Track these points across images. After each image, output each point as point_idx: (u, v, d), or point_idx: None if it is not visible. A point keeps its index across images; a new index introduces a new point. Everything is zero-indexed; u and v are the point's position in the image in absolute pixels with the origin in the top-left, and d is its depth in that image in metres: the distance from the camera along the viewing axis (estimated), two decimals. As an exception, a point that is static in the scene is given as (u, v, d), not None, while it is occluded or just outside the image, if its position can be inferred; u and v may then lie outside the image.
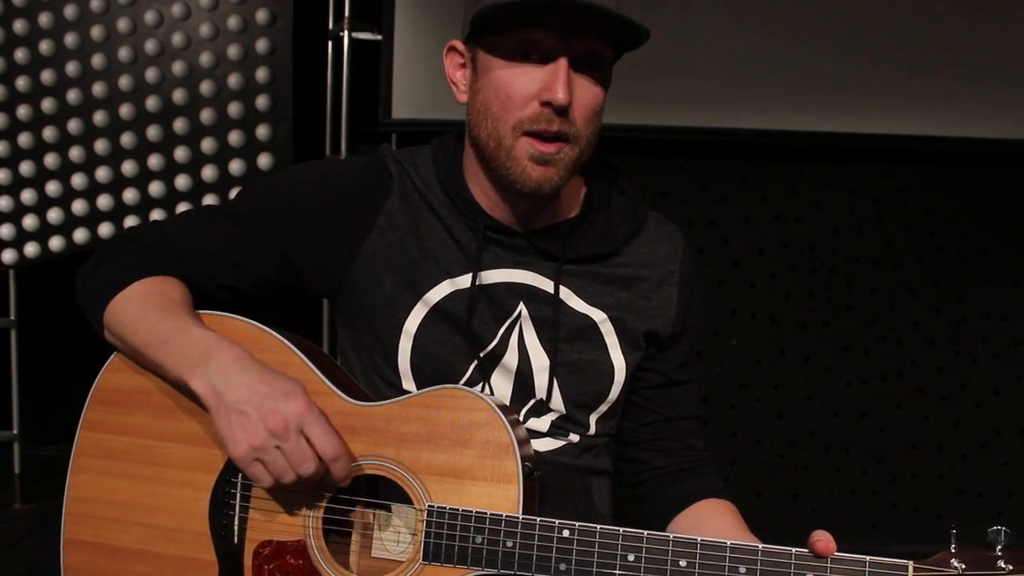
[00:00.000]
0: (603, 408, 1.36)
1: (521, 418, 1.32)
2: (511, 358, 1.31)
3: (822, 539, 1.07)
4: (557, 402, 1.32)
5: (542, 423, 1.33)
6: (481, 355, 1.30)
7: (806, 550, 1.09)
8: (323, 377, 1.23)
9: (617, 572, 1.12)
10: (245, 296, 1.35)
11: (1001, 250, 3.16)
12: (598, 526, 1.13)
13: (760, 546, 1.10)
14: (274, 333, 1.26)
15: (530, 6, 1.13)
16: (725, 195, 3.11)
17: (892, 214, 3.14)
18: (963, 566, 1.06)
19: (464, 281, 1.29)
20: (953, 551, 1.07)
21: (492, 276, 1.30)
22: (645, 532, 1.12)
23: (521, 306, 1.31)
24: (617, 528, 1.12)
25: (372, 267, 1.30)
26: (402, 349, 1.30)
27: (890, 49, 2.89)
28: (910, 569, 1.07)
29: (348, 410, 1.21)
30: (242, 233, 1.31)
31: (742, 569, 1.10)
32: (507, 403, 1.31)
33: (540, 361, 1.31)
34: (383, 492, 1.23)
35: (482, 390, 1.29)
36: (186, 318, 1.23)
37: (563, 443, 1.34)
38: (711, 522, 1.33)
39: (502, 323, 1.31)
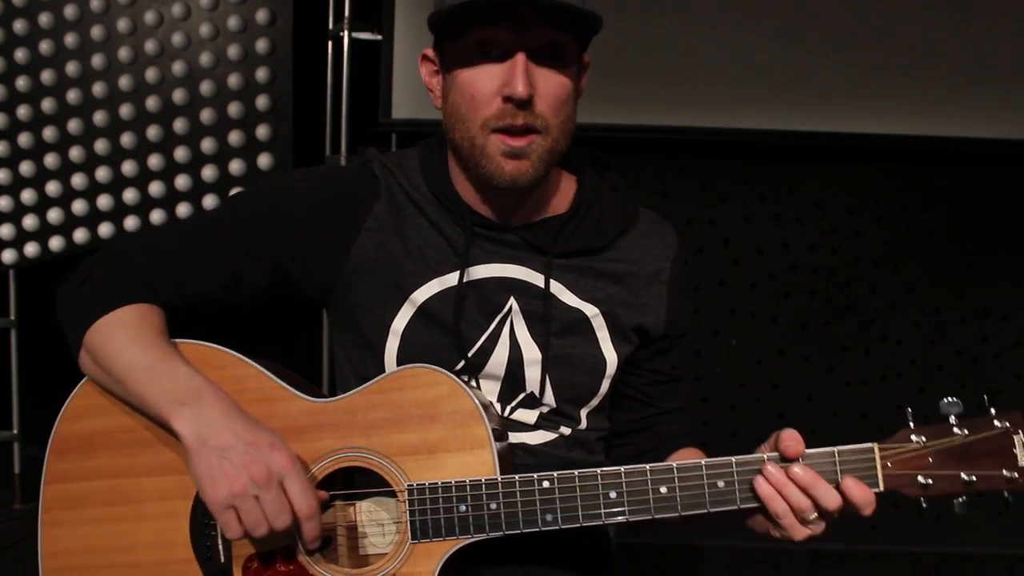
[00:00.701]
0: (594, 402, 1.37)
1: (510, 411, 1.33)
2: (502, 352, 1.31)
3: (791, 443, 1.12)
4: (549, 396, 1.33)
5: (531, 415, 1.34)
6: (470, 353, 1.30)
7: (777, 454, 1.13)
8: (282, 383, 1.23)
9: (602, 511, 1.14)
10: (236, 308, 1.35)
11: (1001, 250, 3.16)
12: (576, 471, 1.15)
13: (734, 458, 1.14)
14: (226, 350, 1.25)
15: (476, 6, 1.16)
16: (725, 195, 3.11)
17: (892, 214, 3.14)
18: (923, 439, 1.12)
19: (453, 279, 1.30)
20: (911, 427, 1.12)
21: (482, 271, 1.31)
22: (623, 468, 1.15)
23: (512, 301, 1.31)
24: (595, 469, 1.15)
25: (361, 269, 1.31)
26: (389, 348, 1.31)
27: (890, 49, 2.89)
28: (876, 450, 1.12)
29: (312, 409, 1.21)
30: (231, 244, 1.32)
31: (720, 483, 1.14)
32: (496, 395, 1.33)
33: (532, 355, 1.32)
34: (361, 483, 1.23)
35: (468, 383, 1.30)
36: (173, 352, 1.23)
37: (555, 436, 1.35)
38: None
39: (492, 318, 1.31)
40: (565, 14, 1.17)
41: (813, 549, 1.17)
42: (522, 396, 1.33)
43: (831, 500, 1.10)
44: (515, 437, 1.32)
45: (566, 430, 1.36)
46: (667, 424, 1.46)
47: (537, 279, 1.32)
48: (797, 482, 1.11)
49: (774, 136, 2.94)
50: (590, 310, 1.33)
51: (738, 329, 3.17)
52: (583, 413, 1.37)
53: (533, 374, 1.32)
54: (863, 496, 1.11)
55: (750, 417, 3.18)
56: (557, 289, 1.32)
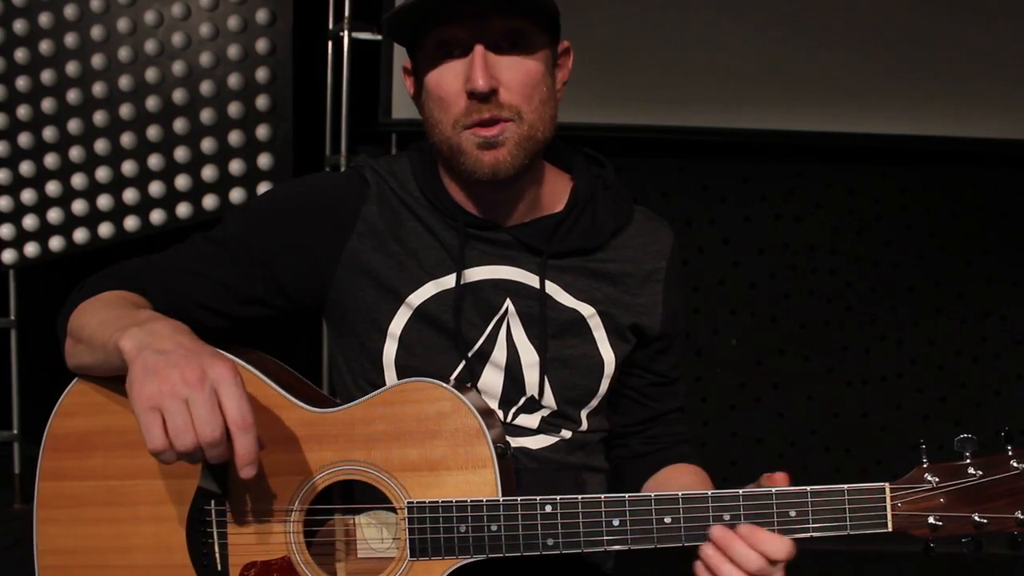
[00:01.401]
0: (593, 403, 1.36)
1: (512, 415, 1.33)
2: (500, 355, 1.31)
3: (776, 475, 1.11)
4: (548, 398, 1.33)
5: (533, 419, 1.33)
6: (469, 355, 1.30)
7: (787, 488, 1.11)
8: (282, 391, 1.21)
9: (604, 538, 1.12)
10: (230, 319, 1.34)
11: (1001, 250, 3.16)
12: (579, 496, 1.13)
13: (741, 491, 1.11)
14: (226, 354, 1.23)
15: (422, 5, 1.16)
16: (725, 195, 3.11)
17: (892, 214, 3.14)
18: (936, 479, 1.08)
19: (448, 281, 1.29)
20: (925, 466, 1.09)
21: (477, 273, 1.30)
22: (627, 495, 1.13)
23: (508, 302, 1.31)
24: (598, 495, 1.13)
25: (354, 272, 1.31)
26: (387, 352, 1.30)
27: (890, 49, 2.89)
28: (887, 490, 1.09)
29: (312, 419, 1.19)
30: (225, 254, 1.32)
31: (726, 516, 1.11)
32: (496, 401, 1.32)
33: (529, 357, 1.31)
34: (360, 496, 1.22)
35: (470, 390, 1.29)
36: (144, 310, 1.23)
37: (556, 439, 1.35)
38: (675, 481, 1.37)
39: (489, 320, 1.31)
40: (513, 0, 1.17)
41: (814, 548, 1.16)
42: (523, 400, 1.32)
43: (752, 561, 1.07)
44: (515, 442, 1.31)
45: (567, 433, 1.35)
46: (666, 427, 1.46)
47: (532, 280, 1.31)
48: (716, 543, 1.09)
49: (774, 136, 2.94)
50: (586, 310, 1.32)
51: (738, 329, 3.17)
52: (583, 414, 1.36)
53: (532, 377, 1.31)
54: (772, 545, 1.07)
55: (750, 417, 3.18)
56: (552, 290, 1.31)
